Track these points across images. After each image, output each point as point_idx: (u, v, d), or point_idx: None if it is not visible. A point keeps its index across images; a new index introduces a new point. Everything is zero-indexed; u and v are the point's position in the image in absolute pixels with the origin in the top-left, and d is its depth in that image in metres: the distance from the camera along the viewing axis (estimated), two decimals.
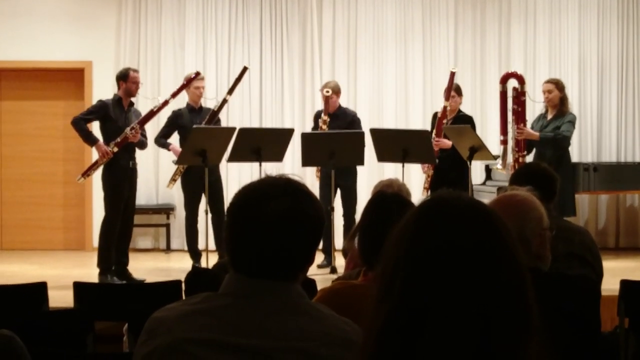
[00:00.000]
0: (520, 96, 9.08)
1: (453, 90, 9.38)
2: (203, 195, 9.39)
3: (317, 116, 9.95)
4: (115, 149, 8.68)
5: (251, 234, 2.15)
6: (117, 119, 8.79)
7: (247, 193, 2.21)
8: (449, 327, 1.49)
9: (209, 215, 9.04)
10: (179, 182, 9.63)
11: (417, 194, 9.31)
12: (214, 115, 9.32)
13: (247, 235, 2.16)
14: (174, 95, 9.29)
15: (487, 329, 1.49)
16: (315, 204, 2.21)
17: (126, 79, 8.88)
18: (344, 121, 9.70)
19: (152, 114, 9.10)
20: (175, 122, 9.47)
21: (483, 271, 1.52)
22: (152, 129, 10.35)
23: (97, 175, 9.00)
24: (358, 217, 9.63)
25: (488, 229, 1.58)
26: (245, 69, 9.55)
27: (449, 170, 9.06)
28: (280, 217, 2.13)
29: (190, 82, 9.40)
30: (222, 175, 9.87)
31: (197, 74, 9.52)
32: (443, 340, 1.49)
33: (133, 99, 9.07)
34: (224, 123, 10.08)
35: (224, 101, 9.48)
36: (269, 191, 2.18)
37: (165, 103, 9.21)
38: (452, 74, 9.52)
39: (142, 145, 9.05)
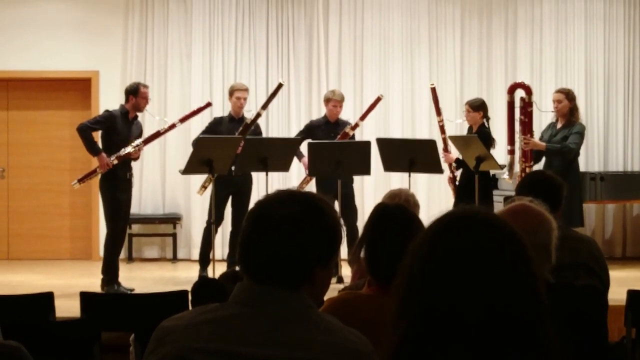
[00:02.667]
0: (527, 107, 9.07)
1: (467, 104, 9.36)
2: (229, 205, 9.46)
3: (311, 126, 10.00)
4: (115, 162, 8.75)
5: (258, 237, 2.18)
6: (121, 132, 8.87)
7: (262, 201, 2.26)
8: (468, 342, 1.50)
9: (219, 225, 9.10)
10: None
11: (425, 204, 9.31)
12: (246, 128, 9.36)
13: (254, 237, 2.19)
14: (182, 120, 9.43)
15: (505, 342, 1.50)
16: (326, 215, 2.22)
17: (136, 94, 8.93)
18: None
19: (157, 134, 9.29)
20: (214, 129, 9.54)
21: (503, 285, 1.53)
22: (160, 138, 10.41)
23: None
24: (360, 225, 9.73)
25: (507, 244, 1.58)
26: (280, 86, 9.65)
27: (468, 180, 9.06)
28: (285, 221, 2.16)
29: (200, 111, 9.54)
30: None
31: (209, 104, 9.65)
32: (463, 356, 1.50)
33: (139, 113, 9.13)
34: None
35: (258, 115, 9.54)
36: (281, 198, 2.22)
37: (172, 126, 9.35)
38: (433, 90, 9.58)
39: (137, 158, 9.18)
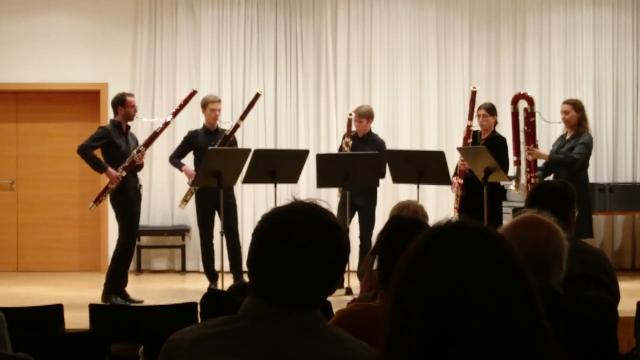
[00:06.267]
0: (529, 117, 9.08)
1: (484, 109, 9.34)
2: (217, 216, 9.43)
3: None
4: (124, 173, 8.79)
5: (277, 264, 2.13)
6: (119, 144, 8.92)
7: (276, 220, 2.19)
8: (467, 357, 1.50)
9: (216, 237, 9.12)
10: (192, 202, 9.70)
11: (433, 215, 9.29)
12: (225, 139, 9.37)
13: (272, 262, 2.14)
14: (175, 114, 9.46)
15: (501, 349, 1.50)
16: (342, 235, 2.20)
17: (124, 104, 8.99)
18: (371, 148, 9.65)
19: (155, 135, 9.28)
20: (190, 143, 9.58)
21: (498, 299, 1.53)
22: (168, 148, 10.49)
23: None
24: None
25: (500, 259, 1.58)
26: (257, 95, 9.64)
27: (477, 190, 9.01)
28: (307, 250, 2.12)
29: (188, 101, 9.51)
30: (237, 197, 9.87)
31: (194, 92, 9.61)
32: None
33: (130, 123, 9.15)
34: (239, 145, 10.13)
35: (237, 126, 9.54)
36: (299, 222, 2.15)
37: (167, 124, 9.35)
38: (473, 93, 9.49)
39: (141, 166, 9.18)
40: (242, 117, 9.67)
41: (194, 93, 9.59)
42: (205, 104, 9.67)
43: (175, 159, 9.66)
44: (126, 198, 8.88)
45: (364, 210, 9.75)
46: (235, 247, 9.53)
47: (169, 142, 10.99)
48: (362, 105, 10.21)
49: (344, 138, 9.86)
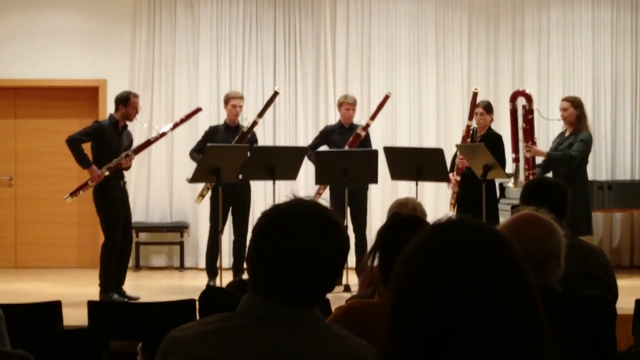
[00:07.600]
0: (528, 114, 9.07)
1: (481, 107, 9.35)
2: (230, 213, 9.46)
3: (326, 131, 10.03)
4: (107, 173, 8.73)
5: (277, 260, 2.13)
6: (111, 142, 8.83)
7: (277, 217, 2.19)
8: (467, 353, 1.50)
9: (224, 233, 9.11)
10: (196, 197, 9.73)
11: (432, 212, 9.29)
12: (243, 136, 9.37)
13: (272, 260, 2.14)
14: (174, 127, 9.44)
15: (500, 345, 1.50)
16: (342, 233, 2.20)
17: (126, 104, 8.91)
18: (364, 141, 9.77)
19: (148, 143, 9.27)
20: (211, 138, 9.57)
21: (498, 297, 1.53)
22: (167, 146, 10.46)
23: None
24: (368, 232, 9.72)
25: (500, 255, 1.58)
26: (276, 93, 9.67)
27: (474, 187, 9.00)
28: (308, 247, 2.12)
29: (190, 117, 9.53)
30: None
31: (199, 109, 9.63)
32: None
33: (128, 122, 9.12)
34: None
35: (254, 123, 9.55)
36: (299, 219, 2.15)
37: (163, 134, 9.33)
38: (475, 95, 9.47)
39: (128, 167, 9.15)
40: (260, 115, 9.71)
41: (198, 110, 9.59)
42: (227, 100, 9.74)
43: (195, 153, 9.67)
44: (107, 197, 8.79)
45: (355, 204, 9.72)
46: (241, 247, 9.52)
47: (168, 139, 10.96)
48: (347, 93, 10.29)
49: (328, 132, 9.94)
